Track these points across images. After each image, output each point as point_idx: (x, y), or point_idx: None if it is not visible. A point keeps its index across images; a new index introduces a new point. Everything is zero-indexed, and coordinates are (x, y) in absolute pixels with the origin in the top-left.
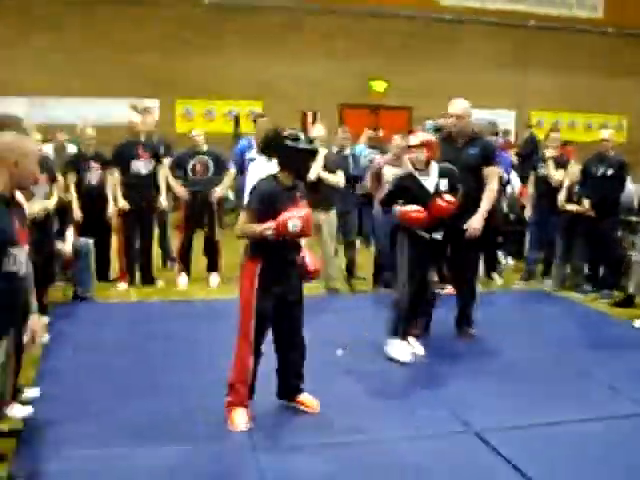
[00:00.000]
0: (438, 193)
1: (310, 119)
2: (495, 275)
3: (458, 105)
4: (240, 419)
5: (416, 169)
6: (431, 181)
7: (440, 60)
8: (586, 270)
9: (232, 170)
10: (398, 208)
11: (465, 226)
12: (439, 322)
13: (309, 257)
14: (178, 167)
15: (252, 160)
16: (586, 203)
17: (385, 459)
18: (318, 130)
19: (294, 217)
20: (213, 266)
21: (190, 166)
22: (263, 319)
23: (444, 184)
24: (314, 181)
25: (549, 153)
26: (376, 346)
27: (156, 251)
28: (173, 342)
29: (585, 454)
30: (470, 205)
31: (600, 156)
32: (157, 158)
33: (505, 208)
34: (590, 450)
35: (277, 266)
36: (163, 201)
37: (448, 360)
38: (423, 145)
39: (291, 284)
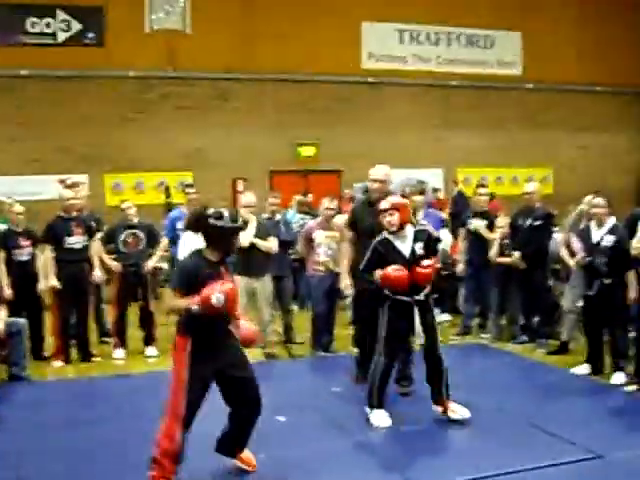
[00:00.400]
0: (415, 258)
1: (240, 187)
2: None
3: (381, 170)
4: None
5: (391, 233)
6: (407, 245)
7: (367, 123)
8: (521, 321)
9: (164, 240)
10: (379, 272)
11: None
12: None
13: (245, 325)
14: (110, 240)
15: (184, 230)
16: (516, 255)
17: None
18: (248, 197)
19: (217, 290)
20: (149, 338)
21: (122, 239)
22: (195, 396)
23: (419, 247)
24: (247, 247)
25: (478, 208)
26: (320, 411)
27: (91, 326)
28: (117, 417)
29: None
30: None
31: (527, 209)
32: (90, 233)
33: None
34: None
35: (208, 341)
36: (97, 275)
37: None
38: (394, 209)
39: (228, 357)
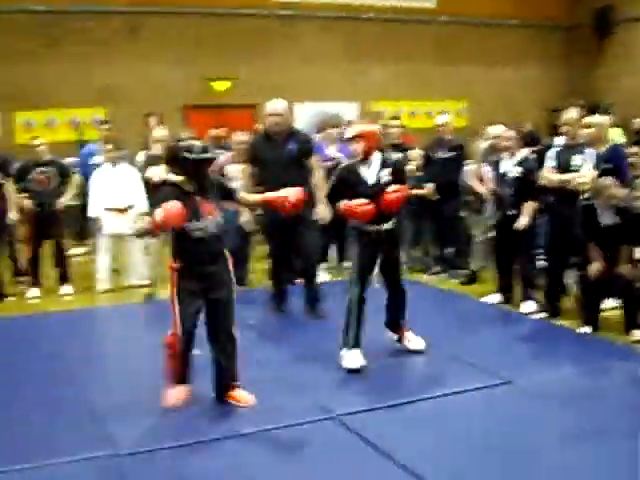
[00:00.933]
0: (380, 185)
1: (153, 122)
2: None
3: (279, 104)
4: (172, 395)
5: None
6: (372, 172)
7: (281, 56)
8: (435, 252)
9: (77, 177)
10: (343, 203)
11: (315, 217)
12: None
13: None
14: (20, 179)
15: (96, 166)
16: (429, 186)
17: (252, 457)
18: (159, 133)
19: (161, 209)
20: (64, 277)
21: (33, 177)
22: (186, 308)
23: (386, 174)
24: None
25: (391, 141)
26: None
27: (5, 265)
28: (36, 357)
29: (446, 429)
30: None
31: (439, 141)
32: (3, 172)
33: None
34: (450, 424)
35: (192, 265)
36: (11, 215)
37: (301, 349)
38: (360, 137)
39: (212, 282)
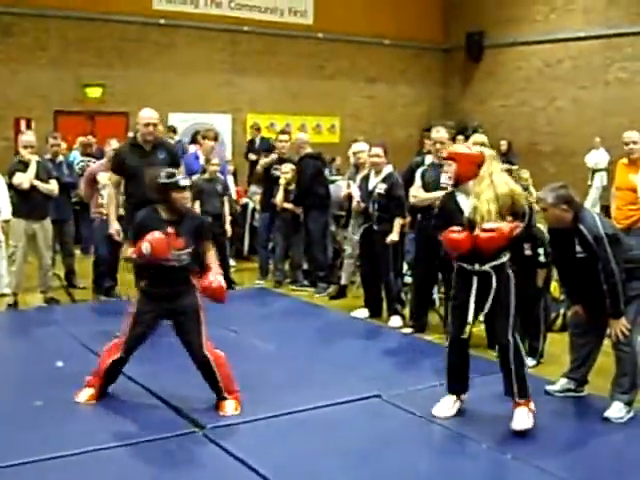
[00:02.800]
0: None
1: (23, 126)
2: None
3: (154, 113)
4: (83, 395)
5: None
6: (467, 202)
7: (157, 65)
8: (304, 266)
9: None
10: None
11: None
12: None
13: (210, 279)
14: None
15: None
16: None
17: (117, 470)
18: (27, 137)
19: (146, 240)
20: None
21: None
22: (136, 328)
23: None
24: (27, 189)
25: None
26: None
27: None
28: None
29: (315, 442)
30: None
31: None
32: None
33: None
34: (319, 437)
35: (155, 285)
36: None
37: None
38: (453, 159)
39: (177, 302)
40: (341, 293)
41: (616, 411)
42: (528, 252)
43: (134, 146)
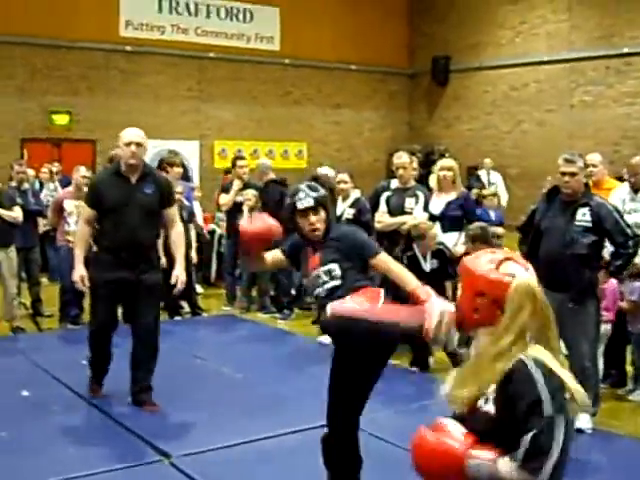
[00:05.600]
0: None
1: None
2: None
3: (138, 132)
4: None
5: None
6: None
7: (124, 92)
8: (271, 292)
9: None
10: None
11: (173, 281)
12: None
13: None
14: None
15: None
16: None
17: None
18: None
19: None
20: None
21: None
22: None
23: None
24: None
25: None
26: (69, 384)
27: None
28: None
29: (296, 467)
30: (144, 255)
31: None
32: None
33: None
34: (304, 461)
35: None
36: None
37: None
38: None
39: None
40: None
41: (586, 422)
42: None
43: (116, 175)
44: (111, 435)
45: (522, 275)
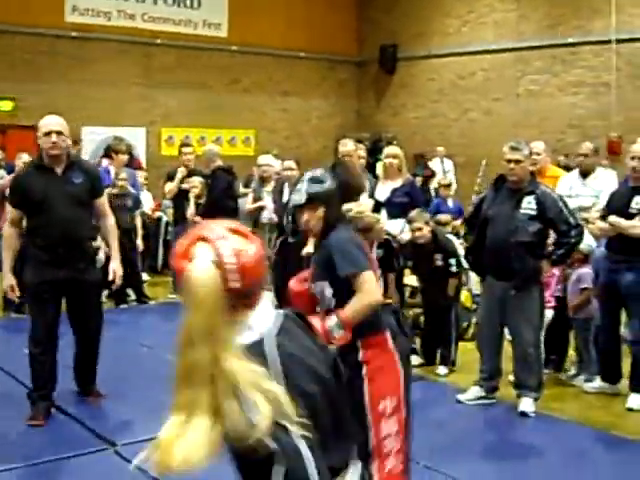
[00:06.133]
0: None
1: None
2: None
3: (58, 119)
4: None
5: None
6: None
7: (70, 78)
8: None
9: None
10: None
11: (110, 277)
12: None
13: None
14: None
15: None
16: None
17: None
18: None
19: None
20: None
21: None
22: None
23: None
24: None
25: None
26: (12, 373)
27: None
28: None
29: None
30: (81, 250)
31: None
32: None
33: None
34: None
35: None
36: None
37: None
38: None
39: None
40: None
41: (529, 406)
42: (439, 262)
43: (39, 168)
44: (56, 424)
45: None
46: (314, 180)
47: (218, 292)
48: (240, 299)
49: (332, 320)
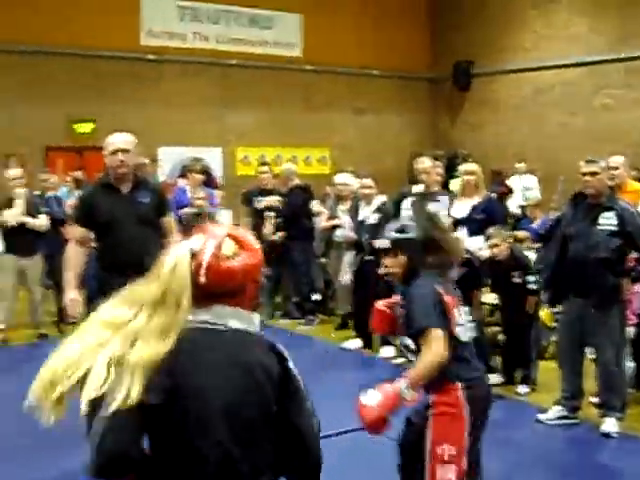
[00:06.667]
0: None
1: (13, 164)
2: None
3: (126, 137)
4: None
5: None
6: None
7: (146, 99)
8: (295, 298)
9: None
10: None
11: None
12: None
13: None
14: None
15: None
16: (279, 233)
17: None
18: (14, 172)
19: None
20: None
21: None
22: None
23: None
24: (16, 226)
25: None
26: None
27: None
28: None
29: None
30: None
31: (259, 189)
32: None
33: None
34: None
35: None
36: None
37: None
38: None
39: None
40: (344, 324)
41: (612, 426)
42: (517, 280)
43: (106, 187)
44: None
45: None
46: (400, 227)
47: (183, 276)
48: (203, 294)
49: (402, 383)
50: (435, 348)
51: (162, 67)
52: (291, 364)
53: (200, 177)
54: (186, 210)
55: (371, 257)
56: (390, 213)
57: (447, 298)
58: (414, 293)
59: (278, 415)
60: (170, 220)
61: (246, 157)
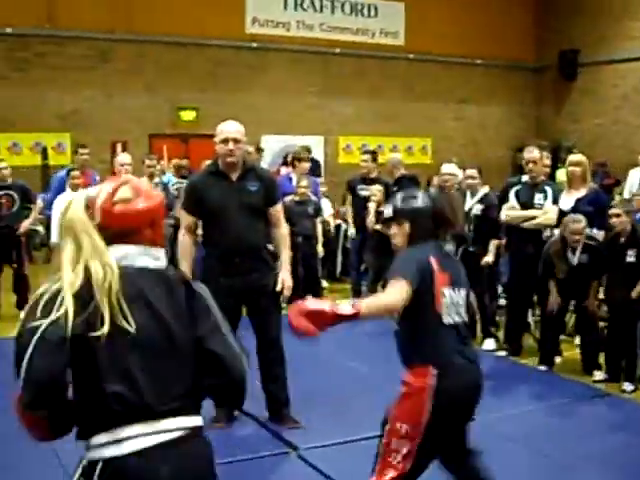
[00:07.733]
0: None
1: (119, 149)
2: None
3: (237, 126)
4: None
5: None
6: None
7: (249, 88)
8: None
9: (39, 202)
10: None
11: (279, 287)
12: None
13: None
14: None
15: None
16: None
17: None
18: (123, 157)
19: None
20: (23, 302)
21: None
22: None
23: None
24: None
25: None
26: None
27: None
28: None
29: None
30: (257, 258)
31: (362, 177)
32: None
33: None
34: None
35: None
36: None
37: None
38: None
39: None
40: None
41: None
42: (631, 259)
43: (215, 175)
44: (238, 425)
45: None
46: (405, 196)
47: (76, 211)
48: (107, 235)
49: (346, 301)
50: (394, 294)
51: (266, 55)
52: (204, 293)
53: (307, 165)
54: (290, 198)
55: (474, 248)
56: (493, 204)
57: (437, 271)
58: (403, 254)
59: (196, 343)
60: (279, 209)
61: (348, 146)
